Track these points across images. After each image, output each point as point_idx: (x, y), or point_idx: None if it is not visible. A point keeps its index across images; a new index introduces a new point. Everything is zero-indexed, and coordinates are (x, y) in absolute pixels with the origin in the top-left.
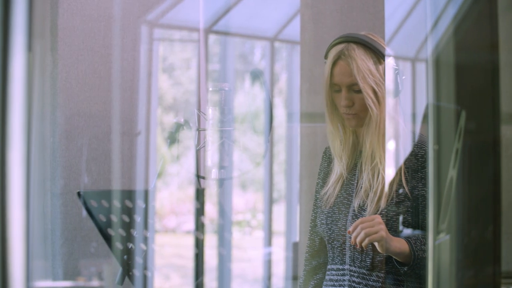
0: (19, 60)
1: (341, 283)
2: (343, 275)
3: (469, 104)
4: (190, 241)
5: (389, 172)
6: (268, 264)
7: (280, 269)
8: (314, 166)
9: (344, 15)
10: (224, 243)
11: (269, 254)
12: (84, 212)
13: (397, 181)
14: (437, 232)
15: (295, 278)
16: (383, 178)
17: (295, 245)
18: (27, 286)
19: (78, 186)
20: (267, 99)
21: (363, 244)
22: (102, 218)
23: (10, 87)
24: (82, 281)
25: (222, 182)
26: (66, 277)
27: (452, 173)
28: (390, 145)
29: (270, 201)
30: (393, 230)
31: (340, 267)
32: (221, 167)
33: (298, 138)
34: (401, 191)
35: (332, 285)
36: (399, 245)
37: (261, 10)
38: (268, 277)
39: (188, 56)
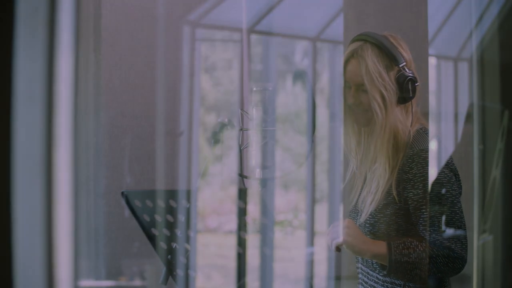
0: (65, 60)
1: (358, 280)
2: (358, 273)
3: None
4: (232, 241)
5: (387, 177)
6: (310, 264)
7: (322, 269)
8: None
9: (387, 15)
10: (266, 243)
11: (311, 254)
12: (127, 212)
13: (389, 185)
14: (481, 231)
15: (337, 278)
16: (378, 183)
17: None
18: (74, 285)
19: (121, 186)
20: (310, 99)
21: (332, 248)
22: (146, 218)
23: (56, 88)
24: (124, 281)
25: (265, 182)
26: (109, 277)
27: (495, 173)
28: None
29: (313, 201)
30: (380, 232)
31: (356, 265)
32: (265, 167)
33: (341, 137)
34: (390, 193)
35: (357, 282)
36: (374, 248)
37: (303, 10)
38: (311, 277)
39: (230, 56)
